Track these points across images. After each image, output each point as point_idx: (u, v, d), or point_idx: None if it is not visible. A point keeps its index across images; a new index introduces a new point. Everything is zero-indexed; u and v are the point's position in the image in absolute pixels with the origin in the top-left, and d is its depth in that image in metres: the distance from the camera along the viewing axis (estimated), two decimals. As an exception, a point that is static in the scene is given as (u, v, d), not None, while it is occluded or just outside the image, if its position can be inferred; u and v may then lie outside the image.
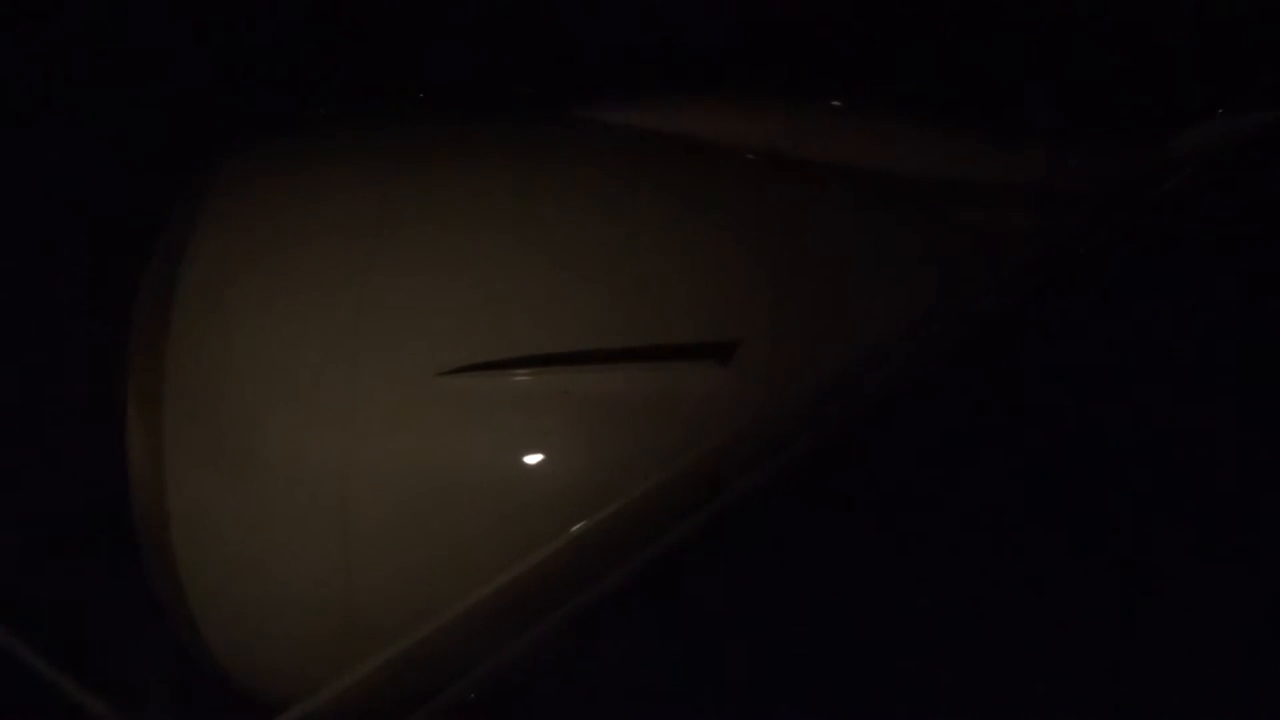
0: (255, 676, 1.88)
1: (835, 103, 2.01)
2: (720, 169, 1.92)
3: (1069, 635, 1.59)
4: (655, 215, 1.85)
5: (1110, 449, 1.63)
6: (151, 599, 1.84)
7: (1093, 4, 2.07)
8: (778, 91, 2.04)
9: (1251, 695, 1.52)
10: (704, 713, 1.65)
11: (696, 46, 2.17)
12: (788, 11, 2.14)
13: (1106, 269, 1.69)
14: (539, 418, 1.76)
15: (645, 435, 1.73)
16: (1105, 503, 1.62)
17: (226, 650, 1.86)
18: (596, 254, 1.82)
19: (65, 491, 2.01)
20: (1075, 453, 1.63)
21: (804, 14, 2.14)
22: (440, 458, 1.76)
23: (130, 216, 1.99)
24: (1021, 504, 1.63)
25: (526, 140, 1.98)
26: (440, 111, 2.10)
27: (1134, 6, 2.04)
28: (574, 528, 1.63)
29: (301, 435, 1.77)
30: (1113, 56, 2.04)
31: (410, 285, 1.80)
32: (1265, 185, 1.66)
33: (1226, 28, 1.96)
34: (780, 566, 1.65)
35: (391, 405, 1.76)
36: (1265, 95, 1.71)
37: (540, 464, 1.75)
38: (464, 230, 1.84)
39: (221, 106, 2.18)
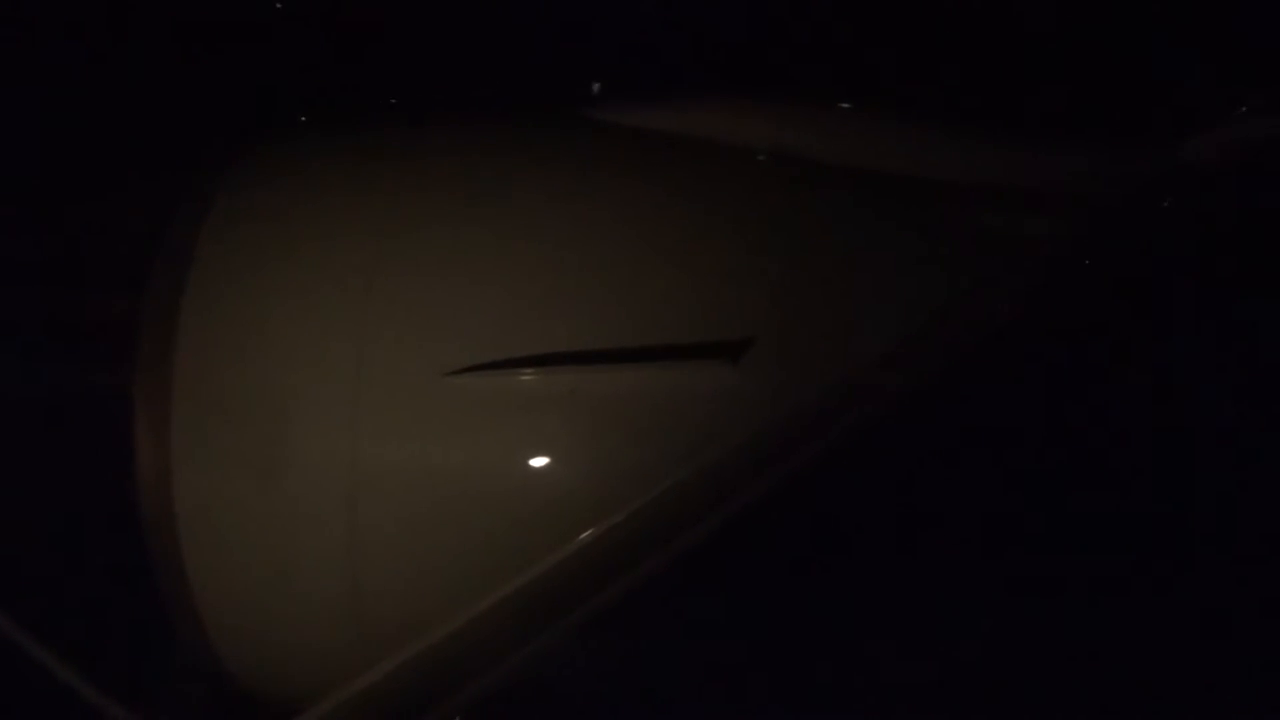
0: (263, 679, 1.88)
1: (845, 104, 2.01)
2: (730, 169, 1.91)
3: (1074, 638, 1.60)
4: (665, 214, 1.85)
5: (1119, 453, 1.63)
6: (162, 601, 1.83)
7: (1106, 6, 2.07)
8: (787, 92, 2.04)
9: (1253, 696, 1.53)
10: (713, 715, 1.65)
11: (705, 47, 2.17)
12: (796, 12, 2.13)
13: (1119, 273, 1.70)
14: (548, 417, 1.75)
15: (654, 433, 1.73)
16: (1112, 505, 1.63)
17: (234, 653, 1.85)
18: (605, 253, 1.81)
19: (76, 494, 2.00)
20: (1085, 456, 1.63)
21: (812, 15, 2.14)
22: (449, 457, 1.76)
23: (138, 217, 1.98)
24: (1028, 505, 1.64)
25: (534, 141, 1.97)
26: (446, 112, 2.08)
27: (1149, 9, 2.04)
28: (585, 534, 1.63)
29: (309, 435, 1.76)
30: (1126, 59, 2.04)
31: (417, 285, 1.78)
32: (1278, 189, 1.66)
33: (1241, 31, 1.96)
34: (790, 569, 1.66)
35: (399, 405, 1.75)
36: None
37: (549, 463, 1.74)
38: (472, 230, 1.83)
39: (228, 108, 2.17)
